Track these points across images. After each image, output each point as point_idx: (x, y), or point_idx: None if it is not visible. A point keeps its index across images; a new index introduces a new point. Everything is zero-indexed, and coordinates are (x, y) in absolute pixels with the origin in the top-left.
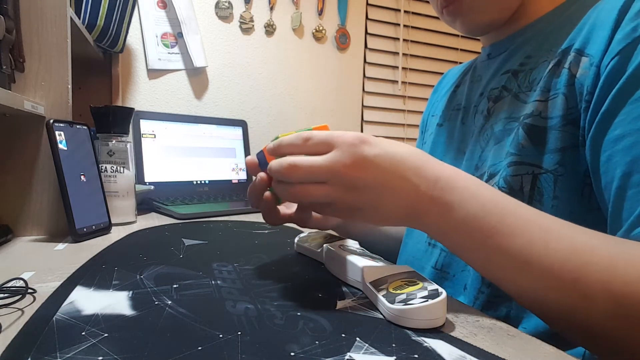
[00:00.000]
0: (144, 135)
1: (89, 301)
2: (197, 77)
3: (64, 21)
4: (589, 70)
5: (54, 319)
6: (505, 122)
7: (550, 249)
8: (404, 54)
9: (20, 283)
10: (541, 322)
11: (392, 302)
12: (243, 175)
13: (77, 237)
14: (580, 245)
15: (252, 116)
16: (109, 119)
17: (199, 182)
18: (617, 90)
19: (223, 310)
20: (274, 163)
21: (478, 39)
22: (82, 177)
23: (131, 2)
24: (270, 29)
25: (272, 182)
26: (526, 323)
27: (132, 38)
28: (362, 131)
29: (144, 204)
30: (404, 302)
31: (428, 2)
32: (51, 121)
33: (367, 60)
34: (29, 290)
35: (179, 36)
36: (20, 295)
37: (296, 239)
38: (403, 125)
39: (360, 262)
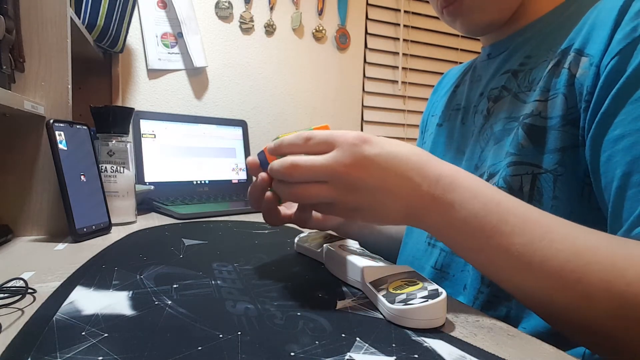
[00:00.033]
0: (144, 135)
1: (89, 301)
2: (197, 77)
3: (64, 21)
4: (589, 70)
5: (54, 319)
6: (505, 122)
7: (552, 249)
8: (404, 54)
9: (20, 283)
10: (541, 322)
11: (392, 302)
12: (243, 175)
13: (77, 237)
14: (582, 245)
15: (252, 116)
16: (109, 119)
17: (199, 182)
18: (617, 90)
19: (223, 310)
20: (275, 163)
21: (478, 39)
22: (82, 177)
23: (131, 2)
24: (270, 29)
25: (272, 182)
26: (526, 323)
27: (132, 38)
28: (362, 131)
29: (144, 204)
30: (404, 302)
31: (428, 2)
32: (51, 121)
33: (367, 60)
34: (29, 290)
35: (179, 36)
36: (20, 295)
37: (296, 239)
38: (403, 125)
39: (360, 262)
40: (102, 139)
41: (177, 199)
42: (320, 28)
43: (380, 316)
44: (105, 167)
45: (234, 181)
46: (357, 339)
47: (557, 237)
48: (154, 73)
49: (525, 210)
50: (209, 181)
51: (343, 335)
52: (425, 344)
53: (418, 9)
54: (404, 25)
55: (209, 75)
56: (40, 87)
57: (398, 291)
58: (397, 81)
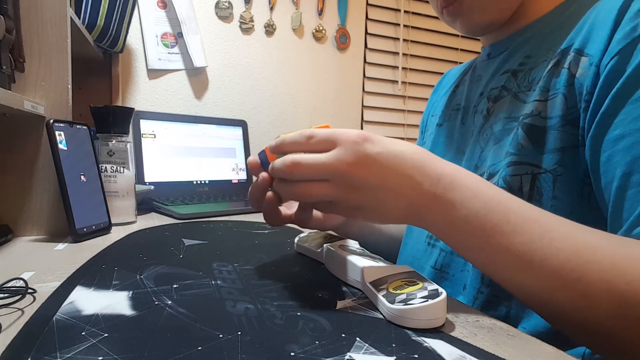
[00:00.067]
0: (144, 135)
1: (89, 301)
2: (197, 77)
3: (64, 21)
4: (589, 70)
5: (54, 319)
6: (504, 122)
7: (553, 248)
8: (404, 54)
9: (20, 283)
10: (541, 321)
11: (392, 302)
12: (243, 175)
13: (77, 237)
14: (583, 244)
15: (252, 116)
16: (109, 119)
17: (199, 182)
18: (617, 90)
19: (223, 310)
20: (277, 161)
21: (478, 39)
22: (82, 177)
23: (131, 2)
24: (270, 29)
25: (273, 181)
26: (526, 323)
27: (132, 38)
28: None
29: (144, 204)
30: (404, 302)
31: (428, 2)
32: (51, 121)
33: (367, 60)
34: (29, 290)
35: (179, 36)
36: (20, 295)
37: (296, 239)
38: (403, 125)
39: (360, 262)
40: (102, 139)
41: (177, 199)
42: (320, 28)
43: (380, 316)
44: (105, 167)
45: (234, 181)
46: (357, 339)
47: (558, 236)
48: (154, 73)
49: (526, 209)
50: (209, 181)
51: (343, 335)
52: (425, 344)
53: (418, 9)
54: (404, 25)
55: (209, 75)
56: (40, 87)
57: (398, 291)
58: (397, 81)
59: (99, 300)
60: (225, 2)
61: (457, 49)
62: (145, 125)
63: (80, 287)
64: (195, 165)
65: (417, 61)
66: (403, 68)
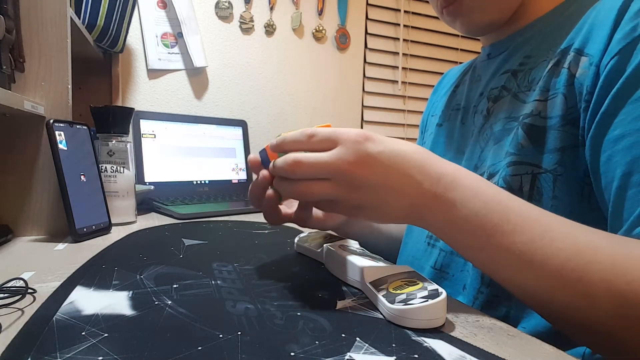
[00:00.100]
0: (144, 135)
1: (89, 301)
2: (197, 77)
3: (64, 21)
4: (589, 70)
5: (54, 319)
6: (504, 122)
7: (553, 247)
8: (404, 54)
9: (20, 283)
10: (541, 321)
11: (392, 302)
12: (243, 175)
13: (77, 237)
14: (583, 244)
15: (252, 116)
16: (109, 119)
17: (199, 182)
18: (617, 90)
19: (223, 310)
20: (278, 160)
21: (478, 39)
22: (82, 177)
23: (131, 2)
24: (270, 29)
25: (274, 180)
26: (526, 323)
27: (132, 38)
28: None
29: (144, 204)
30: (404, 302)
31: (428, 2)
32: (51, 121)
33: (367, 60)
34: (29, 290)
35: (179, 36)
36: (20, 295)
37: (296, 239)
38: (403, 125)
39: (360, 262)
40: (102, 139)
41: (177, 199)
42: (320, 28)
43: (380, 316)
44: (105, 167)
45: (234, 181)
46: (357, 339)
47: (558, 235)
48: (154, 73)
49: (526, 208)
50: (209, 181)
51: (343, 335)
52: (425, 344)
53: (418, 9)
54: (404, 25)
55: (209, 75)
56: (40, 87)
57: (398, 291)
58: (397, 81)
59: (99, 300)
60: (225, 2)
61: (457, 49)
62: (145, 125)
63: (80, 287)
64: (195, 165)
65: (417, 61)
66: (403, 68)
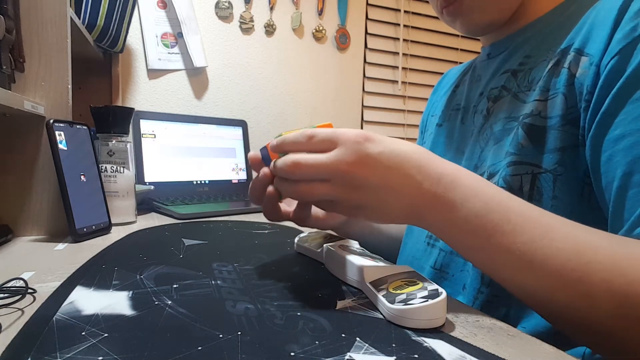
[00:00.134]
0: (144, 135)
1: (89, 301)
2: (197, 77)
3: (64, 21)
4: (589, 70)
5: (54, 319)
6: (504, 122)
7: (553, 248)
8: (404, 54)
9: (20, 283)
10: (541, 321)
11: (392, 302)
12: (243, 175)
13: (77, 237)
14: (584, 244)
15: (252, 116)
16: (109, 119)
17: (199, 182)
18: (617, 90)
19: (223, 310)
20: (278, 161)
21: (478, 39)
22: (82, 177)
23: (131, 2)
24: (270, 29)
25: (274, 179)
26: (526, 323)
27: (132, 38)
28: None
29: (144, 204)
30: (404, 302)
31: (428, 2)
32: (51, 121)
33: (367, 60)
34: (29, 290)
35: (179, 36)
36: (20, 295)
37: (296, 239)
38: (403, 125)
39: (360, 262)
40: (102, 139)
41: (177, 199)
42: (320, 28)
43: (380, 316)
44: (105, 167)
45: (234, 181)
46: (357, 339)
47: (558, 236)
48: (154, 73)
49: (526, 209)
50: (209, 181)
51: (343, 335)
52: (425, 344)
53: (418, 9)
54: (404, 25)
55: (209, 75)
56: (40, 87)
57: (398, 291)
58: (397, 81)
59: (99, 300)
60: (225, 2)
61: (457, 49)
62: (145, 125)
63: (80, 287)
64: (195, 165)
65: (417, 61)
66: (403, 68)
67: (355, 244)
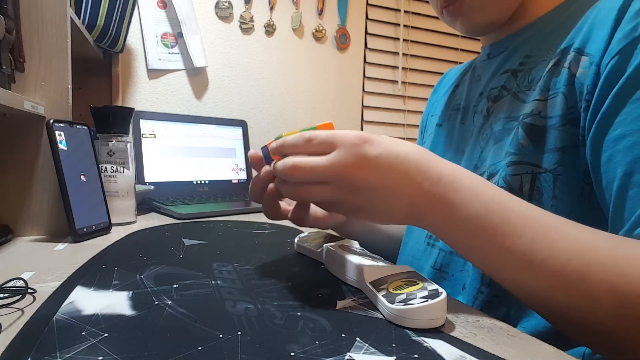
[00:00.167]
0: (144, 135)
1: (89, 301)
2: (197, 77)
3: (64, 21)
4: (589, 70)
5: (54, 319)
6: (504, 122)
7: (554, 248)
8: (404, 54)
9: (20, 283)
10: (541, 321)
11: (392, 302)
12: (243, 175)
13: (77, 237)
14: (584, 244)
15: (252, 116)
16: (109, 119)
17: (199, 182)
18: (618, 90)
19: (223, 310)
20: (278, 163)
21: (478, 39)
22: (82, 177)
23: (131, 2)
24: (270, 29)
25: (275, 179)
26: (525, 323)
27: (132, 38)
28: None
29: (144, 204)
30: (404, 302)
31: (428, 2)
32: (51, 121)
33: (367, 60)
34: (29, 290)
35: (179, 36)
36: (20, 295)
37: (296, 239)
38: (403, 125)
39: (360, 262)
40: (102, 139)
41: (177, 199)
42: (320, 28)
43: (380, 316)
44: (105, 167)
45: (234, 181)
46: (357, 339)
47: (559, 236)
48: (154, 73)
49: (526, 209)
50: (209, 181)
51: (343, 335)
52: (425, 344)
53: (418, 9)
54: (404, 25)
55: (209, 75)
56: (40, 87)
57: (398, 291)
58: (397, 81)
59: (99, 300)
60: (225, 2)
61: (457, 49)
62: (145, 125)
63: (80, 287)
64: (195, 165)
65: (417, 61)
66: (403, 68)
67: (355, 244)
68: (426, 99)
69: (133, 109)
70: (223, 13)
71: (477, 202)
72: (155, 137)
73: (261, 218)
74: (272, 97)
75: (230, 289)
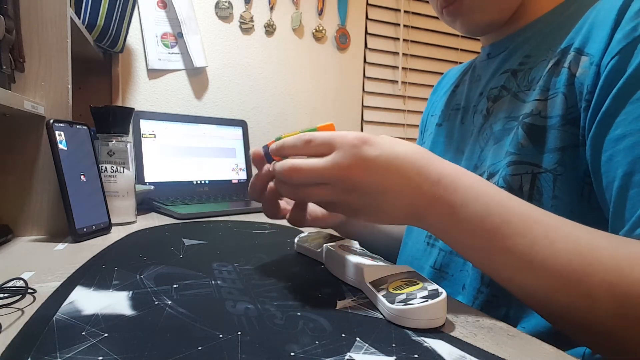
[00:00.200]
0: (144, 135)
1: (89, 301)
2: (197, 77)
3: (64, 21)
4: (589, 70)
5: (54, 319)
6: (504, 122)
7: (554, 248)
8: (404, 54)
9: (20, 283)
10: (541, 321)
11: (392, 302)
12: (243, 175)
13: (77, 237)
14: (585, 245)
15: (252, 116)
16: (109, 119)
17: (199, 182)
18: (618, 90)
19: (223, 310)
20: (277, 164)
21: (478, 39)
22: (82, 177)
23: (131, 2)
24: (270, 29)
25: (275, 180)
26: (525, 323)
27: (132, 38)
28: (362, 131)
29: (144, 204)
30: (404, 302)
31: (428, 2)
32: (51, 121)
33: (367, 60)
34: (29, 290)
35: (179, 36)
36: (20, 295)
37: (296, 239)
38: (403, 125)
39: (360, 262)
40: (102, 139)
41: (177, 199)
42: (320, 28)
43: (380, 316)
44: (105, 167)
45: (234, 181)
46: (357, 339)
47: (559, 236)
48: (154, 73)
49: (527, 209)
50: (209, 181)
51: (343, 335)
52: (425, 344)
53: (418, 9)
54: (404, 25)
55: (209, 75)
56: (40, 87)
57: (398, 291)
58: (397, 81)
59: (99, 300)
60: (225, 2)
61: (457, 49)
62: (145, 125)
63: (80, 287)
64: (195, 165)
65: (417, 61)
66: (403, 68)
67: (355, 244)
68: (426, 99)
69: (133, 109)
70: (223, 13)
71: (477, 203)
72: (155, 137)
73: (261, 218)
74: (272, 97)
75: (230, 289)
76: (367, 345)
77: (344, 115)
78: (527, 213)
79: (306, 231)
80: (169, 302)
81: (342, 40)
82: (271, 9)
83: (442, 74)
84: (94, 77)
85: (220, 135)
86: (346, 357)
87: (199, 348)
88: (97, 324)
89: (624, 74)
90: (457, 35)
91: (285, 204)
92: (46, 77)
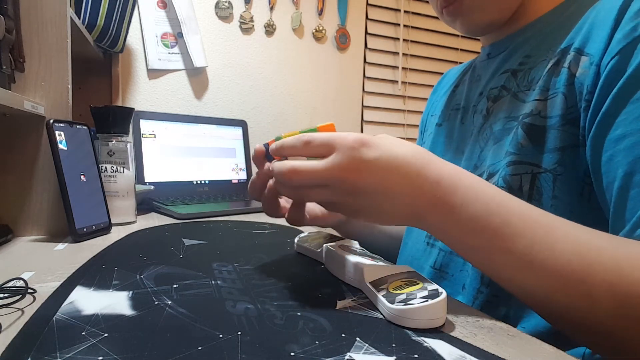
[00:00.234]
0: (144, 135)
1: (89, 301)
2: (197, 77)
3: (64, 21)
4: (589, 70)
5: (54, 319)
6: (504, 122)
7: (554, 249)
8: (404, 54)
9: (20, 283)
10: (541, 321)
11: (392, 302)
12: (243, 175)
13: (77, 237)
14: (585, 245)
15: (252, 116)
16: (109, 119)
17: (199, 182)
18: (618, 90)
19: (223, 310)
20: (276, 165)
21: (478, 39)
22: (82, 177)
23: (131, 2)
24: (270, 29)
25: (274, 180)
26: (525, 323)
27: (132, 38)
28: (362, 131)
29: (144, 204)
30: (404, 302)
31: (428, 2)
32: (51, 121)
33: (367, 60)
34: (29, 290)
35: (179, 36)
36: (20, 295)
37: (296, 239)
38: (403, 125)
39: (360, 262)
40: (102, 139)
41: (177, 199)
42: (320, 28)
43: (380, 316)
44: (105, 167)
45: (234, 181)
46: (357, 339)
47: (559, 237)
48: (154, 73)
49: (527, 209)
50: (209, 181)
51: (343, 335)
52: (425, 344)
53: (418, 9)
54: (404, 25)
55: (209, 75)
56: (40, 87)
57: (398, 291)
58: (397, 81)
59: (99, 300)
60: (225, 2)
61: (457, 49)
62: (145, 125)
63: (80, 287)
64: (195, 165)
65: (417, 61)
66: (403, 68)
67: (355, 244)
68: (426, 99)
69: (133, 109)
70: (223, 13)
71: (477, 203)
72: (155, 137)
73: (261, 218)
74: (272, 97)
75: (230, 289)
76: (367, 345)
77: (344, 115)
78: (527, 213)
79: (306, 231)
80: (169, 302)
81: (342, 40)
82: (271, 9)
83: (442, 74)
84: (94, 77)
85: (220, 135)
86: (346, 357)
87: (199, 348)
88: (97, 324)
89: (624, 74)
90: (457, 35)
91: (285, 202)
92: (46, 77)
